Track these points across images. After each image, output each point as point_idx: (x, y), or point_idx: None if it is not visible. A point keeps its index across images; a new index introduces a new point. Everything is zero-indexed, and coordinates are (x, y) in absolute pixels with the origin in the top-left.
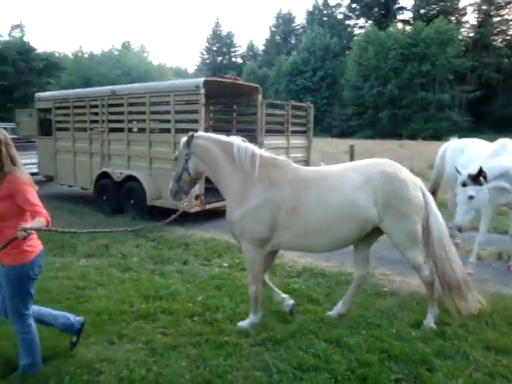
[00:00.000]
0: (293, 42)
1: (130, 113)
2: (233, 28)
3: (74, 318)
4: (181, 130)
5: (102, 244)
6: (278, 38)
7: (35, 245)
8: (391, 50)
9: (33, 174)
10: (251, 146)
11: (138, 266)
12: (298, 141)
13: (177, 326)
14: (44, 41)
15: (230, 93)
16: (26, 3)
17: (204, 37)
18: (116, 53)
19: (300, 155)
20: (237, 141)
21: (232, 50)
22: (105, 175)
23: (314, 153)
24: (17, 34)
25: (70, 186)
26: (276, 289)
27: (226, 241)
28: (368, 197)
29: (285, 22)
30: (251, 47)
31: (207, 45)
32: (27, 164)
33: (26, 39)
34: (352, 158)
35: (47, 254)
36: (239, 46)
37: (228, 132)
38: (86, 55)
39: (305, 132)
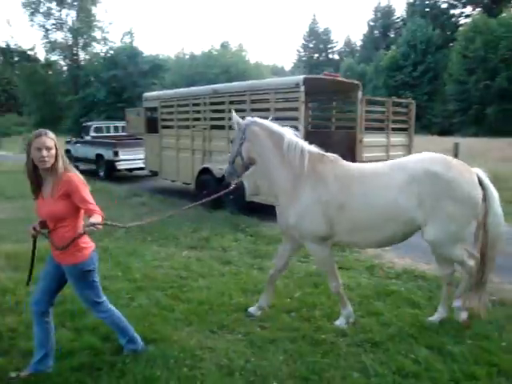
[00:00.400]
0: (392, 36)
1: (231, 110)
2: (330, 24)
3: (139, 340)
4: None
5: (203, 237)
6: (376, 32)
7: (89, 241)
8: (502, 39)
9: (139, 169)
10: (301, 142)
11: (237, 259)
12: (398, 139)
13: (274, 320)
14: (150, 44)
15: (329, 90)
16: (135, 12)
17: (300, 34)
18: (215, 53)
19: (401, 153)
20: (288, 134)
21: (329, 46)
22: (206, 171)
23: (415, 151)
24: (127, 40)
25: (173, 181)
26: (270, 293)
27: None
28: (412, 198)
29: (384, 15)
30: (348, 43)
31: (304, 42)
32: (135, 159)
33: (134, 44)
34: (456, 157)
35: (152, 245)
36: (336, 42)
37: (327, 129)
38: (187, 56)
39: (405, 129)
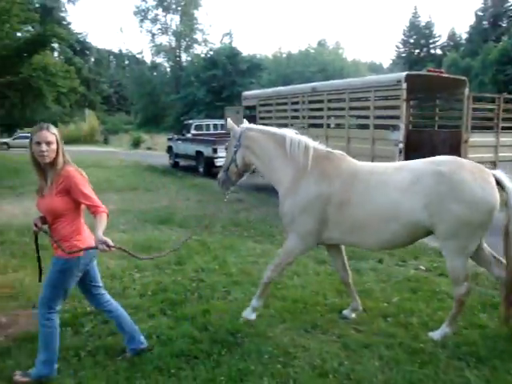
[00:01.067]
0: (504, 25)
1: (329, 109)
2: (432, 17)
3: (142, 338)
4: (380, 125)
5: None
6: (484, 23)
7: (86, 243)
8: None
9: None
10: (304, 139)
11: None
12: (509, 138)
13: (370, 324)
14: (248, 44)
15: (432, 87)
16: (234, 13)
17: (400, 29)
18: (312, 51)
19: (511, 154)
20: (289, 133)
21: (431, 41)
22: None
23: None
24: (226, 40)
25: None
26: (353, 295)
27: (425, 243)
28: (415, 199)
29: (494, 3)
30: (452, 36)
31: (403, 37)
32: None
33: (233, 45)
34: None
35: (248, 240)
36: (439, 36)
37: (429, 129)
38: (284, 55)
39: None
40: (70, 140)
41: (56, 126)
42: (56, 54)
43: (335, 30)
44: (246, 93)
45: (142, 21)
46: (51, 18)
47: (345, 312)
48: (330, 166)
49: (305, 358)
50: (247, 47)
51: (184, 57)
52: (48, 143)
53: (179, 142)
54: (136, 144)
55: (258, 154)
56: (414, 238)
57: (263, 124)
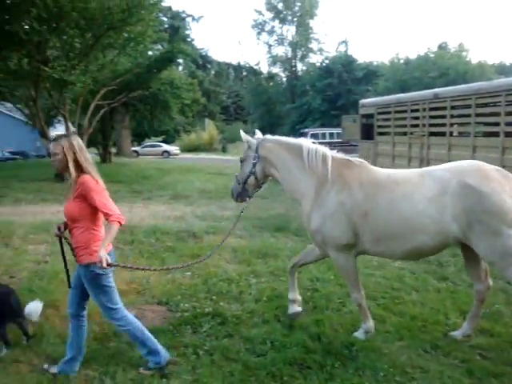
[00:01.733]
0: None
1: (452, 116)
2: None
3: (163, 351)
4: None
5: None
6: None
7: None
8: None
9: None
10: (322, 148)
11: (454, 276)
12: None
13: (498, 351)
14: (364, 51)
15: None
16: (350, 21)
17: None
18: (432, 55)
19: None
20: (306, 143)
21: None
22: None
23: None
24: (342, 48)
25: None
26: (296, 286)
27: None
28: (443, 210)
29: None
30: None
31: None
32: None
33: (349, 52)
34: None
35: None
36: None
37: None
38: (401, 61)
39: None
40: (190, 148)
41: (179, 135)
42: (180, 68)
43: (458, 31)
44: (364, 101)
45: (259, 33)
46: (178, 36)
47: (454, 333)
48: (351, 175)
49: (423, 381)
50: (363, 54)
51: (299, 66)
52: (54, 154)
53: None
54: None
55: (277, 165)
56: (442, 248)
57: (380, 133)
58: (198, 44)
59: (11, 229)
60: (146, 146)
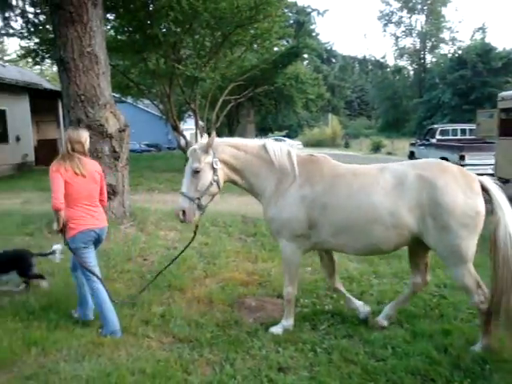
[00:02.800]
0: None
1: None
2: None
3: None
4: None
5: None
6: None
7: (75, 224)
8: None
9: (488, 175)
10: (285, 145)
11: None
12: None
13: None
14: (505, 38)
15: None
16: (489, 4)
17: None
18: None
19: None
20: (269, 142)
21: None
22: None
23: None
24: (478, 36)
25: None
26: (349, 295)
27: None
28: (399, 202)
29: None
30: None
31: None
32: (483, 165)
33: (486, 40)
34: None
35: None
36: None
37: None
38: None
39: None
40: (313, 143)
41: (302, 129)
42: (305, 62)
43: None
44: (504, 93)
45: (385, 25)
46: (303, 31)
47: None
48: (314, 170)
49: None
50: (503, 41)
51: (428, 58)
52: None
53: (422, 147)
54: (376, 148)
55: (240, 168)
56: (404, 243)
57: None
58: (322, 38)
59: (145, 215)
60: None
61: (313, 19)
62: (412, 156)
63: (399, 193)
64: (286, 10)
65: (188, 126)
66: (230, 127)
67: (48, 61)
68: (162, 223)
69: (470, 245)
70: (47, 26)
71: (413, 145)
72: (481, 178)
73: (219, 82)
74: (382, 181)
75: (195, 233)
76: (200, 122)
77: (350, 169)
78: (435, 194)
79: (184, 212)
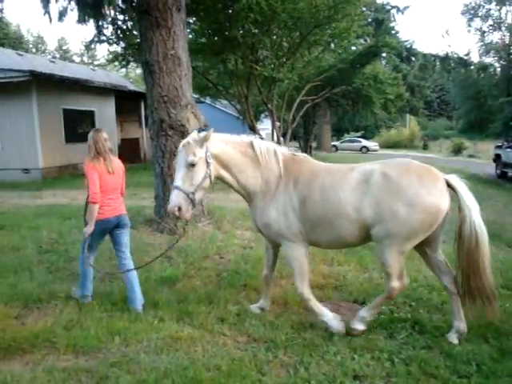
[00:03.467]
0: None
1: None
2: None
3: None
4: None
5: None
6: None
7: (100, 213)
8: None
9: None
10: (271, 144)
11: None
12: None
13: None
14: None
15: None
16: None
17: None
18: None
19: None
20: (256, 140)
21: None
22: None
23: None
24: None
25: None
26: (268, 294)
27: None
28: (362, 198)
29: None
30: None
31: None
32: None
33: None
34: None
35: None
36: None
37: None
38: None
39: None
40: (389, 144)
41: (379, 130)
42: (384, 62)
43: None
44: None
45: (470, 19)
46: (382, 30)
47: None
48: (296, 168)
49: None
50: None
51: None
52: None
53: (509, 149)
54: (457, 151)
55: (228, 164)
56: (364, 237)
57: None
58: (402, 36)
59: (223, 214)
60: (345, 141)
61: (392, 17)
62: (498, 159)
63: (364, 189)
64: (364, 9)
65: (264, 126)
66: (305, 128)
67: (132, 64)
68: (237, 222)
69: (418, 240)
70: (134, 32)
71: (499, 147)
72: (447, 176)
73: (296, 82)
74: (349, 178)
75: (185, 230)
76: (276, 123)
77: (326, 167)
78: (396, 189)
79: (179, 208)
